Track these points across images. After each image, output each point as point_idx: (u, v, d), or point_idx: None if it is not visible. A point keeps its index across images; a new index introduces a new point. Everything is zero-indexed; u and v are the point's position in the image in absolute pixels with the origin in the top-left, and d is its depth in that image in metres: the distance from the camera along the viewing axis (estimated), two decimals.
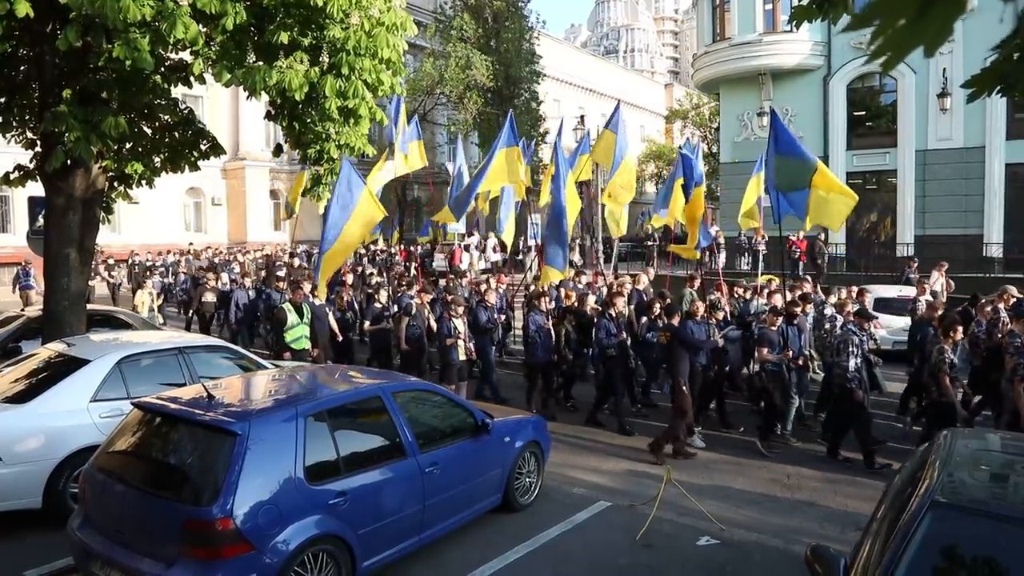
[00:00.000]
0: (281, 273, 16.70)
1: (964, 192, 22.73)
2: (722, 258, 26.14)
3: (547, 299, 10.99)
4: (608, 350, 9.82)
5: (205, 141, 9.83)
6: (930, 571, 3.16)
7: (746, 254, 24.26)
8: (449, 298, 11.38)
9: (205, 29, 7.36)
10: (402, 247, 30.25)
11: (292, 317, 10.20)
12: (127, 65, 6.75)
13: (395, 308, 11.92)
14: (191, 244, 28.37)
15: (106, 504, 4.96)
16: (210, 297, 15.55)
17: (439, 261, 28.46)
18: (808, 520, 6.94)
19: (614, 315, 10.00)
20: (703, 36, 28.35)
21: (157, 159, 9.49)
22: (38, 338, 9.03)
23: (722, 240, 24.58)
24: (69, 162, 7.90)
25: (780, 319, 9.23)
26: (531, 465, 7.10)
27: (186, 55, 7.96)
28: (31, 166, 9.20)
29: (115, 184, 9.77)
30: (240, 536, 4.40)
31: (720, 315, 10.17)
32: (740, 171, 21.97)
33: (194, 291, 16.67)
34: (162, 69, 8.46)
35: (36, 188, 9.36)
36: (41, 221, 10.04)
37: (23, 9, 6.35)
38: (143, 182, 9.58)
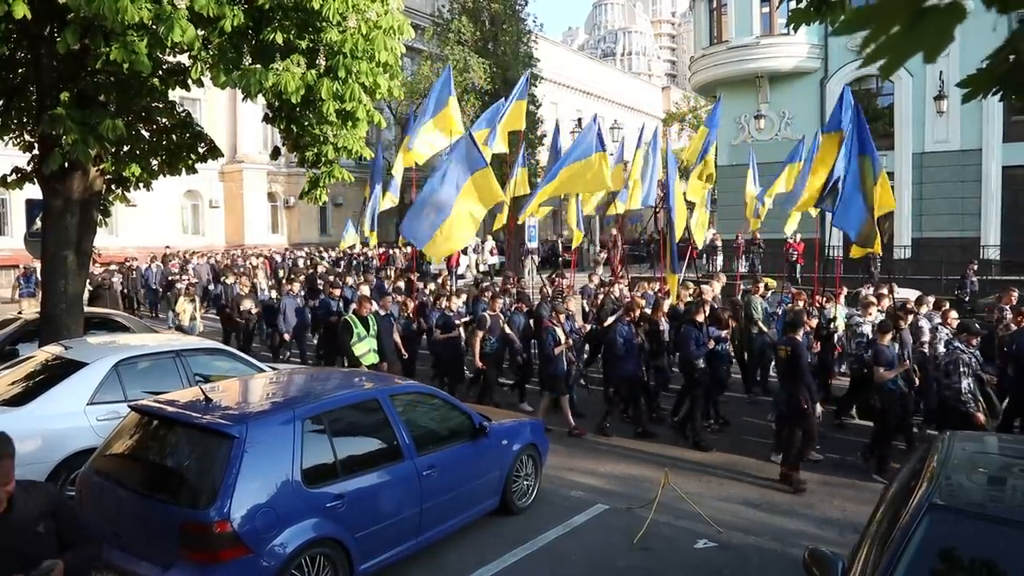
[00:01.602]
0: (303, 277, 16.09)
1: (961, 195, 22.80)
2: (719, 261, 26.20)
3: (639, 308, 10.30)
4: (696, 360, 9.27)
5: (203, 144, 9.83)
6: (928, 574, 3.15)
7: (744, 256, 24.28)
8: (553, 303, 10.80)
9: (203, 32, 7.36)
10: (381, 250, 30.25)
11: (359, 330, 9.49)
12: (125, 68, 6.74)
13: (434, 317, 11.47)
14: (167, 247, 27.47)
15: (103, 507, 4.95)
16: (248, 304, 14.31)
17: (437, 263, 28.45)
18: (806, 523, 6.94)
19: (701, 323, 9.49)
20: (700, 39, 28.40)
21: (155, 161, 9.49)
22: (35, 341, 9.01)
23: (719, 243, 24.63)
24: (67, 164, 7.88)
25: (889, 334, 8.46)
26: (529, 468, 7.09)
27: (184, 58, 7.96)
28: (29, 168, 9.19)
29: (113, 186, 9.76)
30: (237, 539, 4.39)
31: (813, 323, 9.71)
32: (737, 174, 21.97)
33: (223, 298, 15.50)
34: (160, 72, 8.45)
35: (34, 190, 9.34)
36: (38, 223, 10.01)
37: (21, 11, 6.34)
38: (141, 184, 9.56)
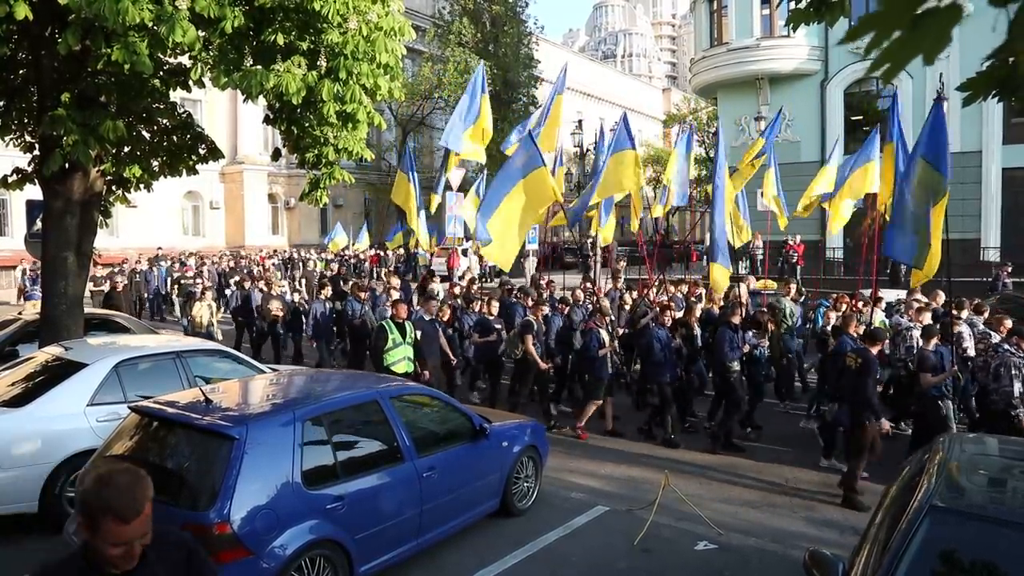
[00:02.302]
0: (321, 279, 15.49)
1: (961, 196, 22.76)
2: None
3: (671, 311, 10.05)
4: (732, 364, 9.09)
5: (203, 145, 9.83)
6: (928, 575, 3.15)
7: (743, 259, 24.28)
8: (596, 306, 10.55)
9: (203, 33, 7.36)
10: (373, 252, 30.26)
11: (394, 336, 9.10)
12: (126, 69, 6.74)
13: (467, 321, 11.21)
14: (159, 248, 27.15)
15: None
16: (275, 306, 13.78)
17: (437, 265, 28.43)
18: (806, 525, 6.93)
19: (737, 326, 9.25)
20: (701, 41, 28.43)
21: (155, 163, 9.49)
22: (35, 341, 9.01)
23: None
24: (67, 165, 7.89)
25: (935, 339, 8.26)
26: (529, 470, 7.09)
27: (185, 59, 7.96)
28: (29, 169, 9.19)
29: (113, 188, 9.76)
30: (237, 541, 4.39)
31: (861, 329, 9.31)
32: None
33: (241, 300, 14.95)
34: (161, 73, 8.46)
35: (34, 191, 9.35)
36: (39, 224, 10.01)
37: (22, 12, 6.34)
38: (141, 186, 9.57)
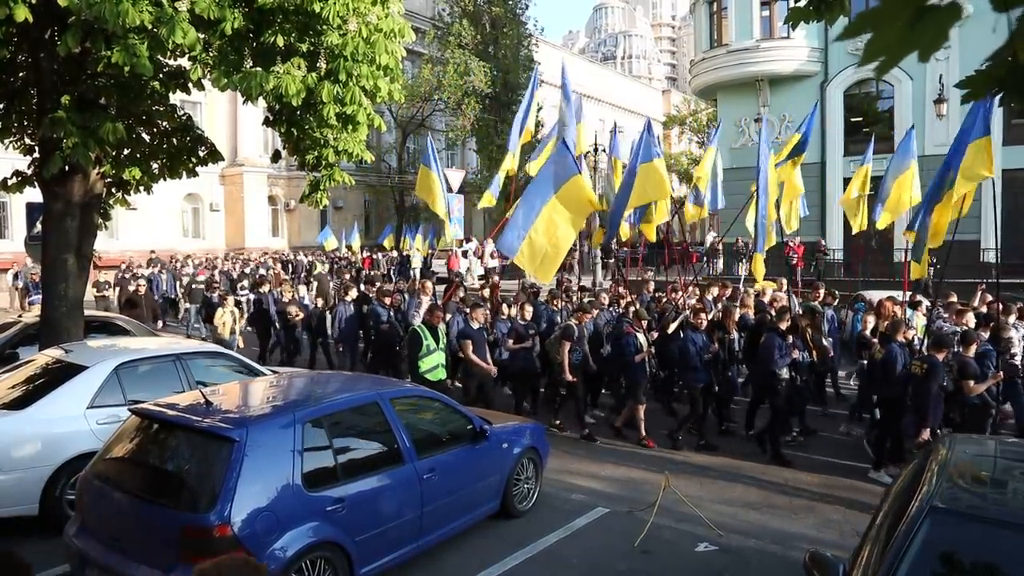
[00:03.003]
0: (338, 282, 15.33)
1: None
2: (719, 264, 26.23)
3: (706, 314, 9.80)
4: (780, 372, 8.79)
5: (203, 147, 9.83)
6: None
7: (743, 260, 24.30)
8: (633, 310, 10.21)
9: (203, 35, 7.37)
10: (366, 255, 30.26)
11: (428, 342, 8.84)
12: (126, 71, 6.74)
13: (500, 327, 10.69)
14: (152, 252, 26.82)
15: (103, 511, 4.94)
16: (294, 311, 13.51)
17: (437, 266, 28.49)
18: (806, 526, 6.93)
19: (785, 332, 8.95)
20: (700, 42, 28.45)
21: (155, 165, 9.48)
22: (35, 344, 9.01)
23: (720, 246, 24.67)
24: (67, 168, 7.89)
25: (975, 345, 7.95)
26: (529, 471, 7.09)
27: (184, 61, 7.96)
28: (29, 171, 9.19)
29: (113, 190, 9.76)
30: (238, 543, 4.38)
31: (910, 334, 8.98)
32: (738, 177, 22.00)
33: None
34: (161, 75, 8.46)
35: (34, 194, 9.35)
36: (39, 227, 10.01)
37: (22, 14, 6.34)
38: (141, 188, 9.57)
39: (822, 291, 11.67)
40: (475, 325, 9.63)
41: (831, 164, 24.87)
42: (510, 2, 33.13)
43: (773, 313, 9.80)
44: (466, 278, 25.97)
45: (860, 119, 25.29)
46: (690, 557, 6.16)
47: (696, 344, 9.16)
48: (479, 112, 32.05)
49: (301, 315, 13.56)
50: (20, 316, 11.89)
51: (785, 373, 8.85)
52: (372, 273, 26.28)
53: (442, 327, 9.20)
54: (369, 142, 9.61)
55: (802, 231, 21.60)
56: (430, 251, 30.26)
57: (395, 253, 31.54)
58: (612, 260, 25.86)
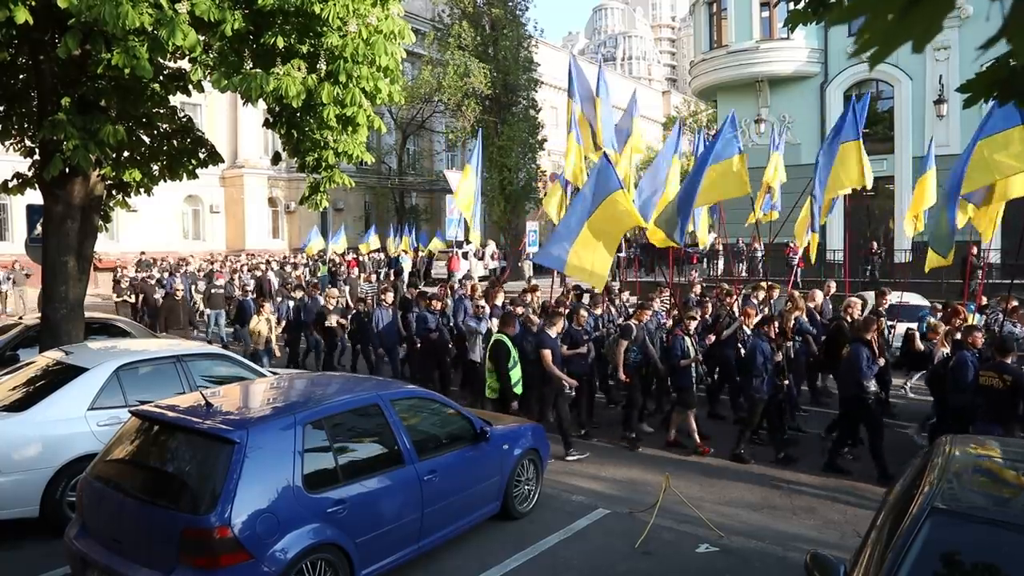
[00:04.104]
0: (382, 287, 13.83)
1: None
2: (720, 265, 26.20)
3: (773, 324, 9.21)
4: (869, 384, 8.15)
5: (203, 149, 9.84)
6: None
7: (743, 261, 24.29)
8: (683, 313, 9.75)
9: (203, 37, 7.37)
10: (352, 256, 30.20)
11: (514, 353, 8.44)
12: (126, 73, 6.75)
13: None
14: (142, 253, 26.37)
15: (104, 513, 4.94)
16: (332, 322, 12.86)
17: (437, 268, 28.49)
18: (808, 527, 6.92)
19: (871, 342, 8.36)
20: (700, 43, 28.45)
21: (155, 167, 9.50)
22: (35, 346, 9.01)
23: (720, 247, 24.63)
24: (67, 170, 7.90)
25: None
26: (530, 473, 7.08)
27: (184, 63, 7.97)
28: (29, 174, 9.20)
29: (113, 192, 9.77)
30: (238, 545, 4.38)
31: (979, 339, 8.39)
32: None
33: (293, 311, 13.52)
34: (161, 77, 8.47)
35: (34, 196, 9.36)
36: (39, 229, 10.02)
37: (22, 16, 6.35)
38: (141, 190, 9.58)
39: (888, 297, 11.21)
40: (552, 333, 9.01)
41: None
42: (510, 3, 33.13)
43: (849, 319, 9.47)
44: (467, 280, 25.91)
45: None
46: (691, 558, 6.15)
47: (765, 353, 8.71)
48: (479, 114, 32.05)
49: (344, 323, 13.02)
50: (20, 318, 11.88)
51: (874, 386, 8.30)
52: (347, 273, 26.09)
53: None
54: (369, 144, 9.62)
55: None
56: (427, 252, 30.27)
57: (381, 255, 31.46)
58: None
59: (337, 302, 14.10)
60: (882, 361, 8.77)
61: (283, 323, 13.52)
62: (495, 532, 6.56)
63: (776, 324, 9.19)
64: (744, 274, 22.95)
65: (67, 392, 6.62)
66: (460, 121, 33.40)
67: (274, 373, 8.22)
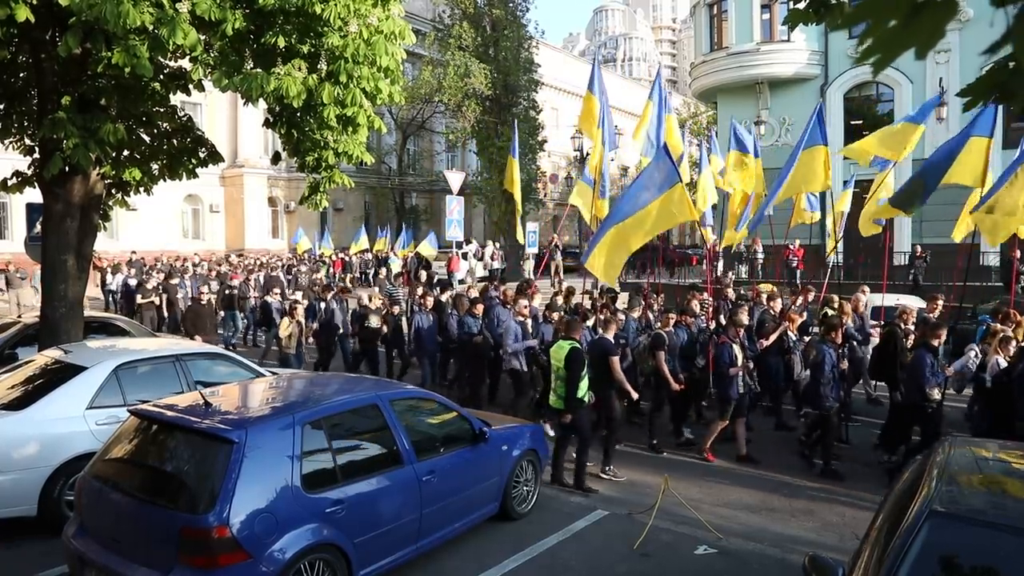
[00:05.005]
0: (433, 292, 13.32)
1: (961, 201, 22.79)
2: (719, 267, 26.20)
3: (840, 330, 8.79)
4: (932, 392, 7.84)
5: (203, 148, 9.84)
6: None
7: (743, 262, 24.30)
8: (731, 319, 9.25)
9: (204, 36, 7.37)
10: (339, 257, 30.12)
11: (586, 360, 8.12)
12: (126, 72, 6.75)
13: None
14: (132, 252, 25.90)
15: (102, 512, 4.94)
16: (375, 323, 12.23)
17: (437, 268, 28.45)
18: (806, 529, 6.93)
19: (936, 348, 8.04)
20: (700, 45, 28.48)
21: (155, 166, 9.49)
22: (34, 344, 9.00)
23: (720, 248, 24.63)
24: (67, 169, 7.89)
25: None
26: (529, 473, 7.08)
27: (185, 62, 7.97)
28: (29, 172, 9.20)
29: (113, 191, 9.76)
30: (236, 544, 4.38)
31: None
32: None
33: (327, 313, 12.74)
34: (161, 76, 8.47)
35: (34, 194, 9.35)
36: (39, 227, 10.01)
37: (23, 14, 6.35)
38: (141, 189, 9.58)
39: (940, 302, 10.93)
40: (610, 336, 8.52)
41: (831, 167, 24.85)
42: (511, 4, 33.12)
43: (901, 324, 9.30)
44: (467, 279, 25.94)
45: (860, 122, 25.30)
46: (689, 560, 6.15)
47: (832, 361, 8.32)
48: (479, 114, 32.05)
49: (385, 326, 12.44)
50: (19, 316, 11.87)
51: (937, 394, 7.94)
52: (334, 273, 25.80)
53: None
54: (369, 144, 9.62)
55: (802, 234, 21.63)
56: (416, 254, 30.21)
57: (369, 256, 31.38)
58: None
59: (376, 301, 13.22)
60: (949, 371, 8.59)
61: (315, 325, 12.85)
62: (494, 533, 6.56)
63: (841, 332, 8.80)
64: (745, 276, 22.96)
65: (66, 391, 6.62)
66: (460, 122, 33.40)
67: (273, 373, 8.22)
